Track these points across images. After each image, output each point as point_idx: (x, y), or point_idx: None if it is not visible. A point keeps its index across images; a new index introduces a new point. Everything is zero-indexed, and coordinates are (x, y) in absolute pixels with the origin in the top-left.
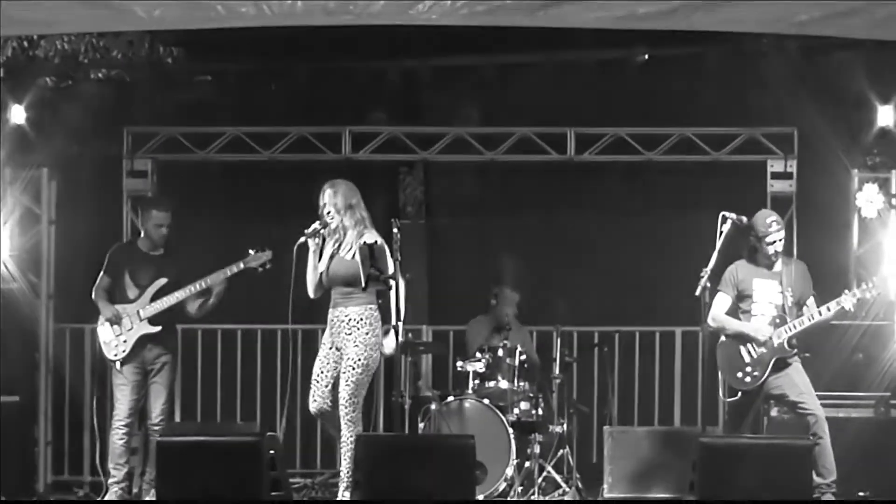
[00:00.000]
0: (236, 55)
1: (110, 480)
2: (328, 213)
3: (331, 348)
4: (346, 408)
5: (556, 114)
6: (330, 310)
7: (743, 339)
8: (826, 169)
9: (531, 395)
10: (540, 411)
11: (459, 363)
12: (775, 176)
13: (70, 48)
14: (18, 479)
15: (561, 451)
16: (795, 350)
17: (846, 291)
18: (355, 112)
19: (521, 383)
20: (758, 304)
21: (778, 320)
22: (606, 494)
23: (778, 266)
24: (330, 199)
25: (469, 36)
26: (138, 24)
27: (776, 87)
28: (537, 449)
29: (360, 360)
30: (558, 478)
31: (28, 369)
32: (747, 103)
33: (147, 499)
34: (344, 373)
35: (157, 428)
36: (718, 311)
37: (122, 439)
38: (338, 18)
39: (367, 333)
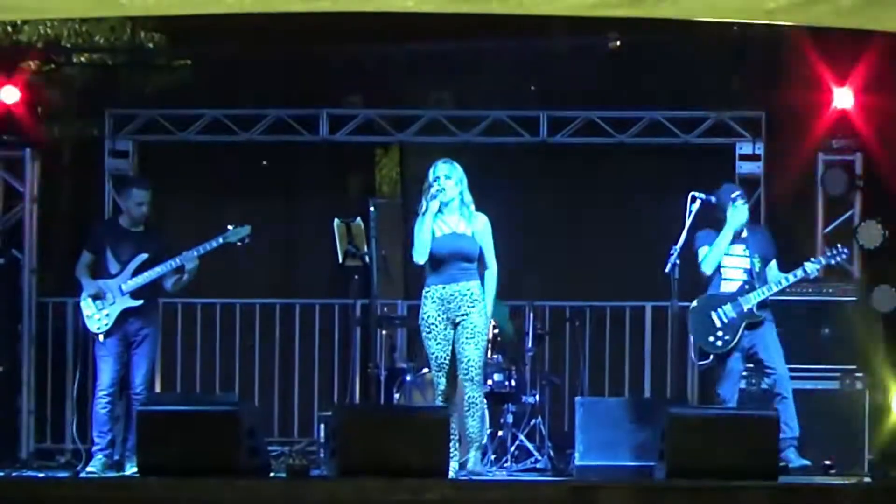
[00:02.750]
0: (215, 41)
1: (94, 448)
2: (442, 185)
3: (445, 325)
4: (475, 370)
5: (529, 97)
6: (440, 286)
7: (716, 300)
8: (793, 151)
9: (504, 367)
10: (513, 382)
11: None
12: (743, 158)
13: (53, 33)
14: (1, 447)
15: (533, 420)
16: (764, 316)
17: (811, 259)
18: (332, 95)
19: (495, 356)
20: (727, 270)
21: (747, 286)
22: (578, 462)
23: (744, 233)
24: (450, 172)
25: (444, 22)
26: (121, 11)
27: (744, 71)
28: (510, 419)
29: (485, 328)
30: (531, 446)
31: (11, 341)
32: (716, 88)
33: (129, 465)
34: (472, 338)
35: (138, 397)
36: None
37: (104, 408)
38: (315, 5)
39: (485, 305)
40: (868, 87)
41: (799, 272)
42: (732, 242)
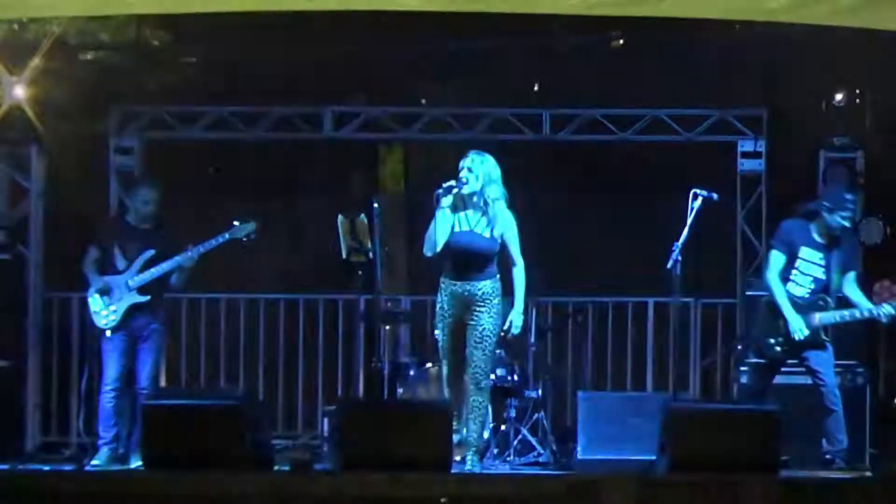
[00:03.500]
0: (220, 38)
1: (99, 441)
2: (465, 177)
3: (455, 318)
4: (481, 376)
5: (532, 95)
6: (452, 282)
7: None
8: (795, 149)
9: (507, 361)
10: (516, 377)
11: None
12: (745, 155)
13: (60, 31)
14: (7, 440)
15: (536, 415)
16: (827, 340)
17: (887, 303)
18: (336, 93)
19: (498, 350)
20: (798, 274)
21: (821, 302)
22: (580, 456)
23: (833, 241)
24: (475, 165)
25: (447, 20)
26: (128, 9)
27: (746, 69)
28: (513, 413)
29: (495, 330)
30: (533, 440)
31: (17, 336)
32: (718, 86)
33: (134, 458)
34: (479, 343)
35: (144, 392)
36: (773, 274)
37: (110, 402)
38: (320, 4)
39: (498, 304)
40: (866, 85)
41: (875, 310)
42: (815, 247)
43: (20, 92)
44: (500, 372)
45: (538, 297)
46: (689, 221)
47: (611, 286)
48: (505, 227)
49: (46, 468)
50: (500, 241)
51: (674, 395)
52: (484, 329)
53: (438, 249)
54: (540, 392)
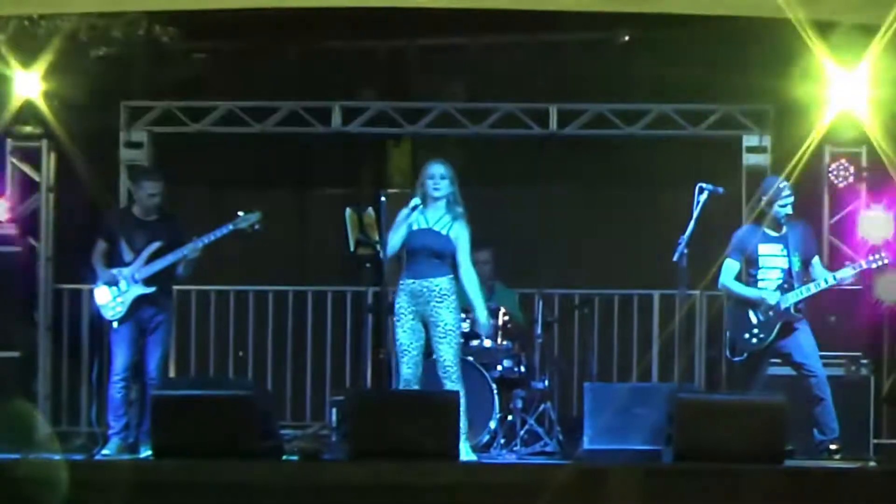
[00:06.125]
0: (230, 34)
1: (109, 431)
2: (438, 184)
3: (413, 318)
4: (452, 369)
5: (539, 90)
6: (410, 280)
7: (751, 303)
8: (799, 143)
9: (514, 353)
10: (522, 368)
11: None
12: (750, 150)
13: (70, 27)
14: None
15: (543, 405)
16: (801, 315)
17: (848, 263)
18: (345, 88)
19: (504, 342)
20: (763, 270)
21: (786, 286)
22: (586, 446)
23: (783, 230)
24: (445, 170)
25: (456, 16)
26: (137, 5)
27: (752, 64)
28: (520, 404)
29: (456, 324)
30: (540, 431)
31: (27, 328)
32: (724, 81)
33: (143, 448)
34: (444, 338)
35: (153, 382)
36: (727, 278)
37: (119, 392)
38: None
39: (454, 300)
40: (875, 80)
41: (839, 275)
42: (770, 241)
43: (32, 87)
44: (506, 363)
45: (544, 290)
46: (694, 215)
47: (617, 279)
48: (458, 231)
49: (57, 458)
50: (454, 241)
51: (679, 385)
52: (446, 324)
53: (396, 250)
54: (546, 383)
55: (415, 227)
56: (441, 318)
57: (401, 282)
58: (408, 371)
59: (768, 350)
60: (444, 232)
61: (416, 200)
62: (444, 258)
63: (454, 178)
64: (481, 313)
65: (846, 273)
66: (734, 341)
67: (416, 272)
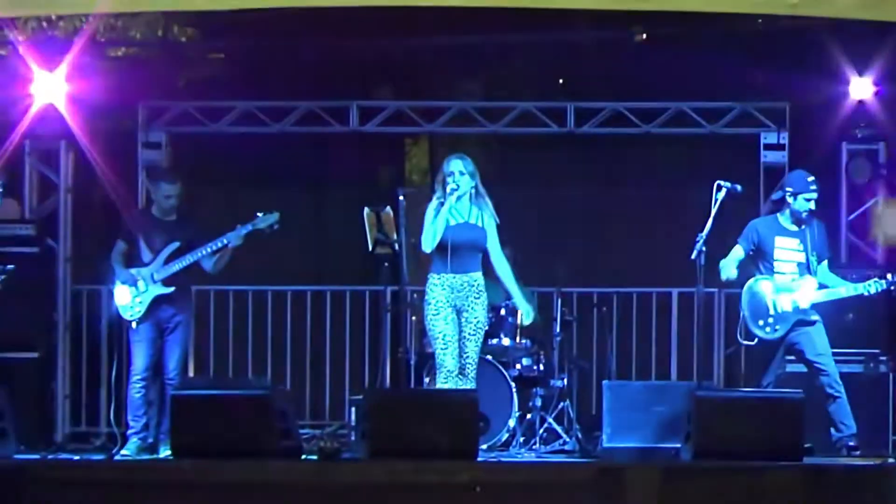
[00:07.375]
0: (247, 34)
1: (129, 431)
2: (455, 180)
3: (452, 310)
4: (472, 366)
5: (557, 89)
6: (451, 274)
7: (773, 289)
8: (817, 140)
9: (533, 351)
10: (541, 367)
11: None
12: (768, 147)
13: (89, 28)
14: (38, 431)
15: (561, 403)
16: (817, 317)
17: (877, 279)
18: (362, 87)
19: (523, 341)
20: (779, 263)
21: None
22: (605, 444)
23: (802, 226)
24: (465, 166)
25: (472, 14)
26: (155, 5)
27: (769, 62)
28: (538, 402)
29: (486, 322)
30: (559, 429)
31: (47, 328)
32: (741, 79)
33: (163, 448)
34: (473, 334)
35: (171, 382)
36: (727, 259)
37: (139, 392)
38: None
39: (486, 297)
40: (890, 77)
41: (862, 288)
42: (788, 235)
43: (51, 88)
44: (525, 361)
45: (562, 288)
46: (713, 213)
47: (635, 277)
48: (489, 223)
49: (76, 458)
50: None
51: (698, 383)
52: (478, 321)
53: (436, 244)
54: (565, 381)
55: (452, 223)
56: (475, 313)
57: (437, 275)
58: (452, 362)
59: (780, 343)
60: (479, 224)
61: (441, 195)
62: (482, 252)
63: (475, 172)
64: (522, 303)
65: (875, 288)
66: (748, 325)
67: (458, 266)
